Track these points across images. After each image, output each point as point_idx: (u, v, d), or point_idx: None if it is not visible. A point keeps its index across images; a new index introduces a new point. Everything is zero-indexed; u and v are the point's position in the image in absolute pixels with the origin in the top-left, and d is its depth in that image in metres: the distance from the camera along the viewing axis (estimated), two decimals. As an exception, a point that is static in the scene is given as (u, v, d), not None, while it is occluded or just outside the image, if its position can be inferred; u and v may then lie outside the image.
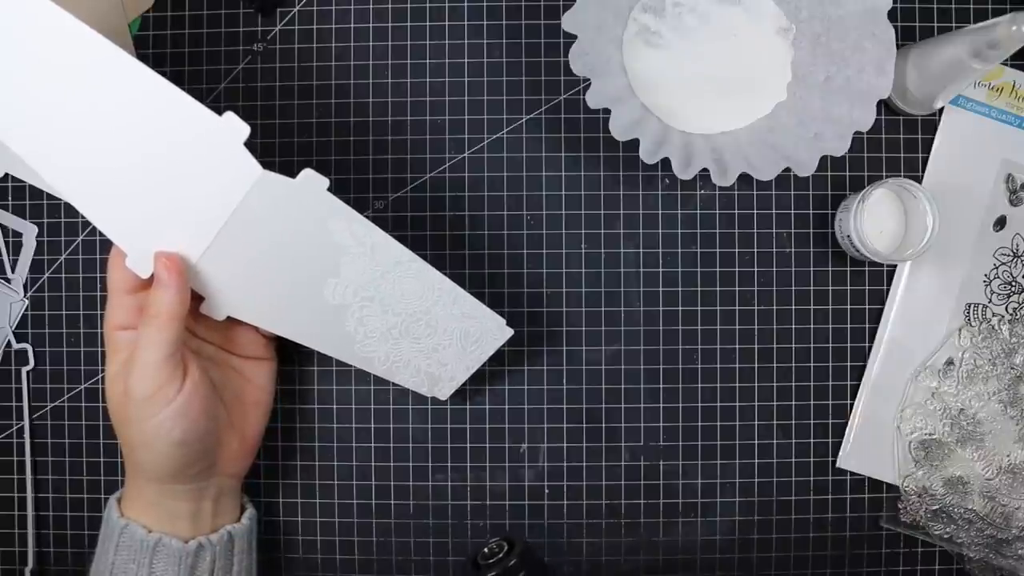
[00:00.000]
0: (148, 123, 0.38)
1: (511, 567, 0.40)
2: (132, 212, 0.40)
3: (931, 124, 0.50)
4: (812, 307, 0.50)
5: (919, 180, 0.50)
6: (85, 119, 0.38)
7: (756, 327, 0.50)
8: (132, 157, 0.39)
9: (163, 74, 0.51)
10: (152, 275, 0.41)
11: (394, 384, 0.50)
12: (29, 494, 0.51)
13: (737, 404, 0.50)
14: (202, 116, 0.38)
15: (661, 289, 0.50)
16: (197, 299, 0.43)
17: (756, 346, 0.50)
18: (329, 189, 0.40)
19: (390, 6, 0.51)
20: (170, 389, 0.40)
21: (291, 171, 0.47)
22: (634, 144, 0.44)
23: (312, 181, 0.39)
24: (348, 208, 0.40)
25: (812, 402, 0.50)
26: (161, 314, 0.39)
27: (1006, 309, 0.50)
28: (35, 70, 0.38)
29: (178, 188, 0.40)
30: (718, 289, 0.50)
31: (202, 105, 0.38)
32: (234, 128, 0.38)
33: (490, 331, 0.45)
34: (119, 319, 0.42)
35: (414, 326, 0.44)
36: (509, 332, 0.45)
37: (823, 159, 0.43)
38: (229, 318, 0.44)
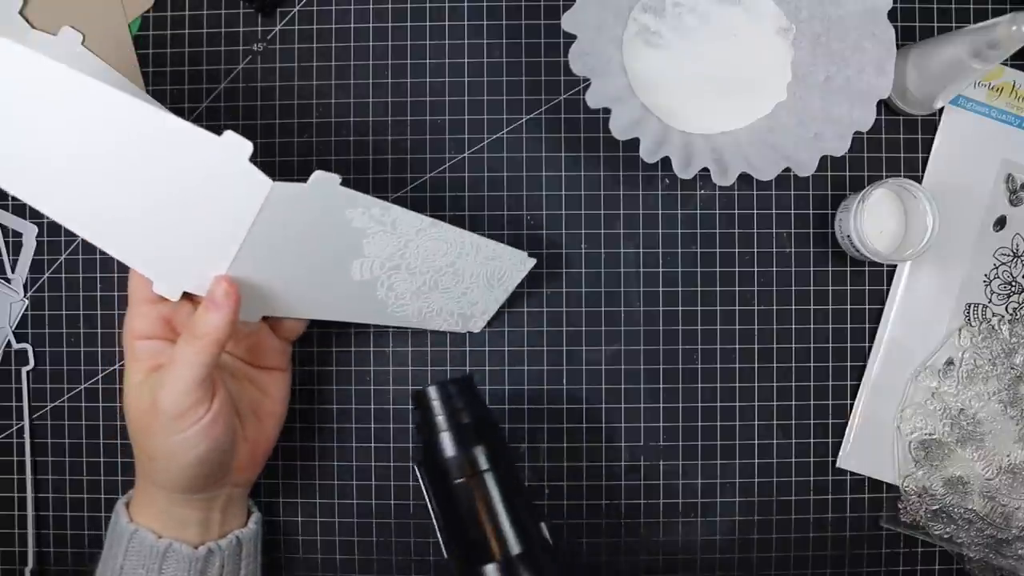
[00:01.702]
0: (152, 155, 0.38)
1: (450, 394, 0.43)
2: (154, 244, 0.40)
3: (931, 124, 0.50)
4: (812, 307, 0.50)
5: (919, 180, 0.50)
6: (91, 164, 0.38)
7: (756, 327, 0.50)
8: (144, 191, 0.39)
9: (163, 74, 0.52)
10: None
11: (394, 384, 0.50)
12: (29, 494, 0.51)
13: (737, 404, 0.50)
14: (202, 139, 0.37)
15: (661, 289, 0.50)
16: None
17: (756, 346, 0.50)
18: (342, 183, 0.40)
19: (390, 6, 0.51)
20: (201, 408, 0.39)
21: (292, 170, 0.47)
22: (634, 144, 0.44)
23: (324, 182, 0.39)
24: (363, 195, 0.40)
25: (812, 402, 0.50)
26: (207, 335, 0.39)
27: (1006, 309, 0.50)
28: (34, 127, 0.37)
29: (194, 212, 0.39)
30: (718, 289, 0.50)
31: (200, 128, 0.37)
32: (236, 145, 0.38)
33: (514, 265, 0.47)
34: (141, 329, 0.42)
35: (442, 279, 0.45)
36: (531, 262, 0.47)
37: (823, 159, 0.43)
38: (247, 327, 0.44)
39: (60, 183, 0.39)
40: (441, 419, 0.43)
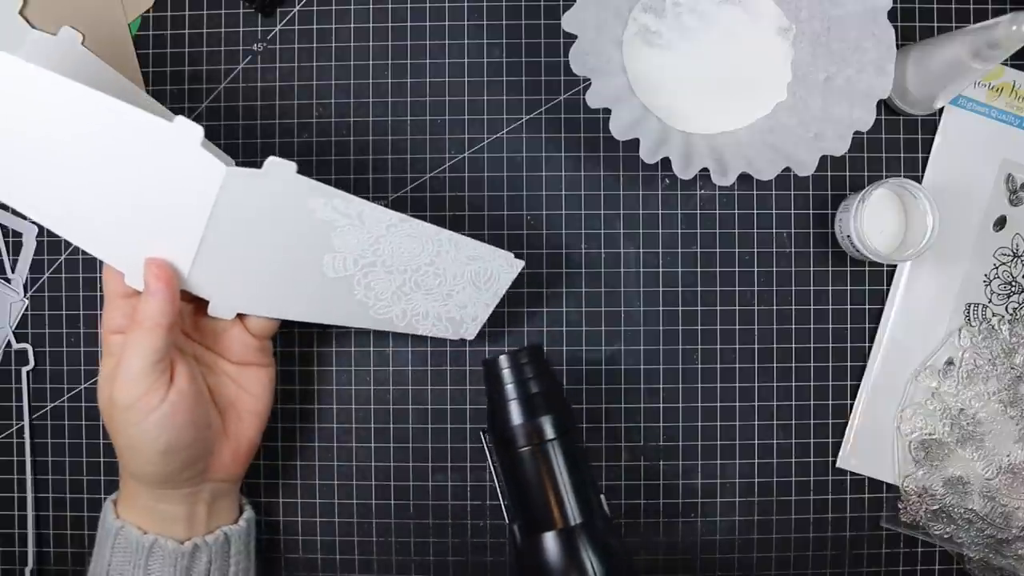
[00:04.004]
0: (109, 144, 0.38)
1: (521, 364, 0.44)
2: (119, 234, 0.40)
3: (931, 124, 0.50)
4: (812, 307, 0.50)
5: (919, 180, 0.50)
6: (53, 155, 0.38)
7: (756, 327, 0.50)
8: (105, 182, 0.39)
9: (163, 74, 0.52)
10: None
11: (394, 384, 0.50)
12: (29, 494, 0.51)
13: (737, 404, 0.50)
14: (154, 126, 0.37)
15: (661, 289, 0.50)
16: (205, 302, 0.43)
17: (756, 346, 0.50)
18: (299, 172, 0.39)
19: (390, 6, 0.51)
20: (153, 397, 0.39)
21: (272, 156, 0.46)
22: (634, 144, 0.44)
23: (278, 167, 0.39)
24: (323, 186, 0.40)
25: (812, 402, 0.50)
26: (146, 321, 0.39)
27: (1006, 309, 0.50)
28: None
29: (154, 200, 0.40)
30: (718, 289, 0.50)
31: (152, 115, 0.37)
32: (187, 130, 0.38)
33: (501, 267, 0.45)
34: (115, 323, 0.42)
35: (423, 279, 0.44)
36: (520, 264, 0.45)
37: (823, 159, 0.43)
38: (220, 324, 0.44)
39: (24, 175, 0.39)
40: (510, 388, 0.43)
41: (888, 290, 0.50)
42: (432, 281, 0.44)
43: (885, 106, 0.50)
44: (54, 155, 0.38)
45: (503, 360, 0.44)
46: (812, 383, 0.50)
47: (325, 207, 0.41)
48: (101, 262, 0.42)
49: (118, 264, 0.41)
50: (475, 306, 0.46)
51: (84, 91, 0.37)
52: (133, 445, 0.40)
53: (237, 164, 0.49)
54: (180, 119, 0.38)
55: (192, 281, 0.42)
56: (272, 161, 0.39)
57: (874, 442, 0.50)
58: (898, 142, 0.50)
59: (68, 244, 0.51)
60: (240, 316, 0.44)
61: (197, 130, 0.38)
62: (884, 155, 0.50)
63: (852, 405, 0.50)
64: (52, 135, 0.38)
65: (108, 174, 0.39)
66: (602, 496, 0.43)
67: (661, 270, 0.50)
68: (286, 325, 0.46)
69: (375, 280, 0.44)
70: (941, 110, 0.50)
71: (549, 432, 0.42)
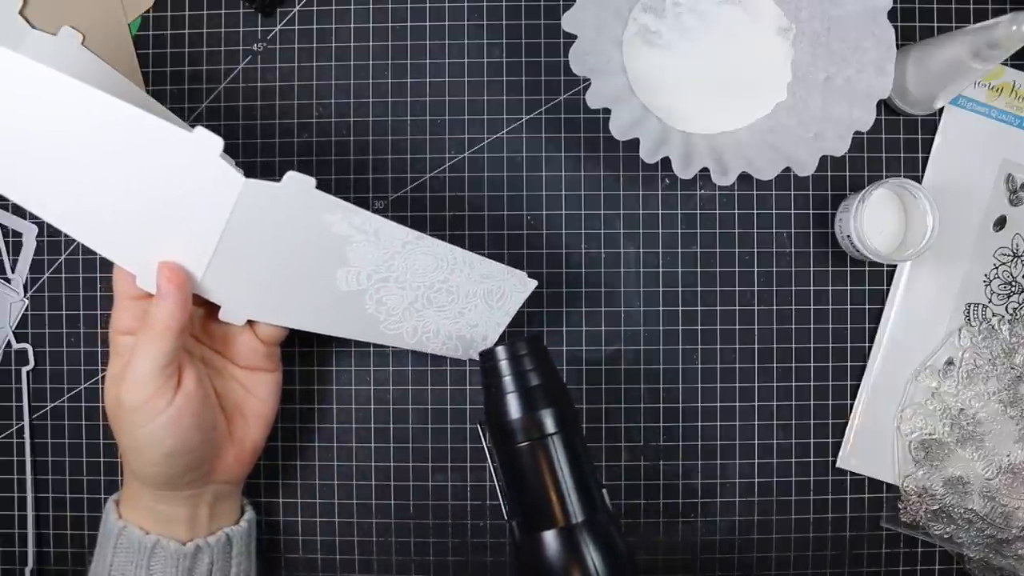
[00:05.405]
0: (129, 152, 0.38)
1: (519, 354, 0.42)
2: (133, 237, 0.40)
3: (931, 124, 0.50)
4: (812, 307, 0.50)
5: (919, 180, 0.50)
6: (71, 159, 0.38)
7: (756, 327, 0.50)
8: (123, 187, 0.39)
9: (163, 74, 0.52)
10: None
11: (394, 384, 0.50)
12: (29, 494, 0.51)
13: (737, 404, 0.50)
14: (175, 136, 0.38)
15: (661, 289, 0.50)
16: (216, 307, 0.43)
17: (756, 346, 0.50)
18: (318, 186, 0.39)
19: (390, 6, 0.51)
20: (160, 400, 0.39)
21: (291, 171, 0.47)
22: (634, 144, 0.44)
23: (297, 182, 0.39)
24: (340, 201, 0.40)
25: (812, 402, 0.50)
26: (157, 325, 0.39)
27: (1006, 309, 0.50)
28: (12, 124, 0.38)
29: (173, 209, 0.40)
30: (718, 289, 0.50)
31: (172, 125, 0.37)
32: (207, 142, 0.38)
33: (513, 287, 0.45)
34: (124, 323, 0.42)
35: (435, 296, 0.44)
36: (532, 283, 0.45)
37: (823, 159, 0.43)
38: (230, 329, 0.44)
39: (39, 177, 0.39)
40: (508, 380, 0.42)
41: (888, 290, 0.50)
42: (445, 298, 0.44)
43: (885, 106, 0.50)
44: (71, 158, 0.38)
45: (501, 351, 0.42)
46: (812, 383, 0.50)
47: (342, 222, 0.41)
48: (106, 262, 0.42)
49: (130, 266, 0.41)
50: (486, 325, 0.46)
51: (104, 97, 0.37)
52: (138, 447, 0.40)
53: (237, 164, 0.50)
54: (200, 130, 0.38)
55: (204, 286, 0.42)
56: (291, 175, 0.39)
57: (874, 442, 0.50)
58: (898, 142, 0.50)
59: (68, 244, 0.51)
60: (250, 322, 0.44)
61: (217, 141, 0.38)
62: (884, 155, 0.50)
63: (852, 405, 0.50)
64: (68, 138, 0.38)
65: (124, 179, 0.39)
66: (604, 491, 0.42)
67: (661, 270, 0.50)
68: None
69: (387, 295, 0.44)
70: (941, 110, 0.50)
71: (549, 426, 0.41)
